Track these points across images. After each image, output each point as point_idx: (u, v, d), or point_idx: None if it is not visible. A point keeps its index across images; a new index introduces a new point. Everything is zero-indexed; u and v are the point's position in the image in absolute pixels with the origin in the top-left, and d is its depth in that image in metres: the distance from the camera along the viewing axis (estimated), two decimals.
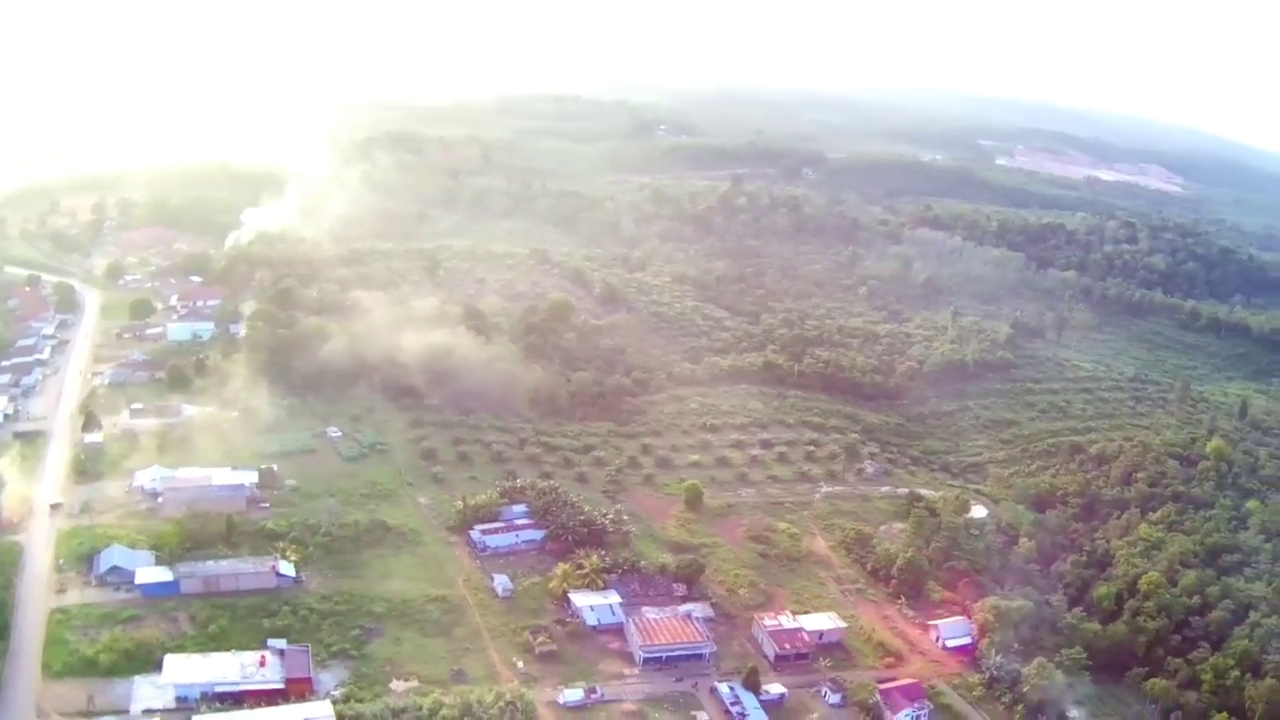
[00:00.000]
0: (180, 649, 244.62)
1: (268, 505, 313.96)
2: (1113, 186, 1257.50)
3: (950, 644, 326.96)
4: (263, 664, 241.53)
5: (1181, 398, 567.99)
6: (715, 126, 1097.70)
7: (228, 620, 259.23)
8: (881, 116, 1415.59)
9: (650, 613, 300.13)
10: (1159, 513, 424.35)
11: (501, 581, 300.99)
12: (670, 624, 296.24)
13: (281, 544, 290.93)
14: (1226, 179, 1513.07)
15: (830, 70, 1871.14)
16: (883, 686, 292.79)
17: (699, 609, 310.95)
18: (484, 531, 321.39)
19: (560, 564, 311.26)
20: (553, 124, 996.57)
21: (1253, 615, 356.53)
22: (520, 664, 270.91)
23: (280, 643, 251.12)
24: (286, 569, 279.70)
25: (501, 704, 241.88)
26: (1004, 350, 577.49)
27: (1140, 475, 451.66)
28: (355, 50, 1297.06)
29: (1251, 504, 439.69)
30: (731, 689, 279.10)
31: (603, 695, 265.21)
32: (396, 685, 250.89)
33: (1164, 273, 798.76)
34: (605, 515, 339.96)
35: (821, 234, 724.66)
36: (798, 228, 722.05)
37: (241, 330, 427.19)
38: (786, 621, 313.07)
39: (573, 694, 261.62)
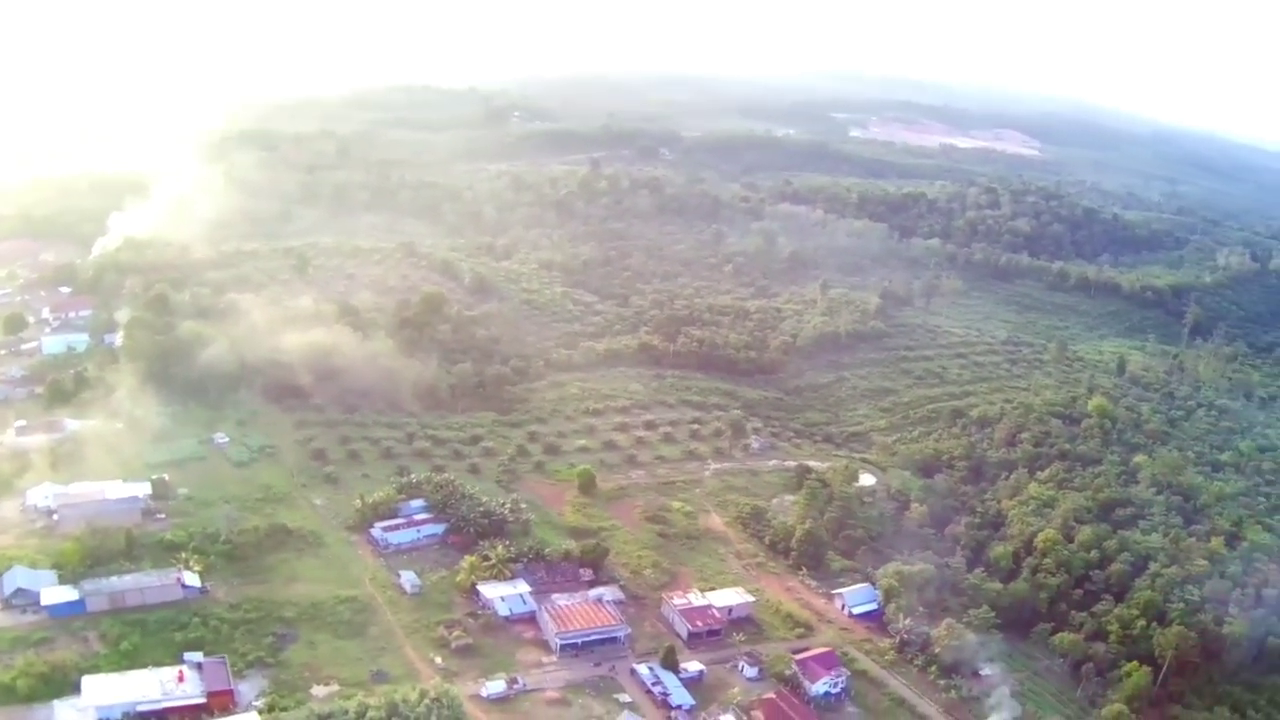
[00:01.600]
0: (95, 669, 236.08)
1: (164, 516, 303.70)
2: (969, 153, 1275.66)
3: (856, 611, 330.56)
4: (181, 679, 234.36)
5: (1058, 358, 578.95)
6: (567, 111, 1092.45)
7: (139, 636, 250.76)
8: (732, 93, 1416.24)
9: (561, 599, 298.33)
10: (1047, 471, 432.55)
11: (409, 578, 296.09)
12: (583, 609, 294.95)
13: (184, 555, 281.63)
14: (1083, 141, 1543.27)
15: (677, 50, 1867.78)
16: (798, 657, 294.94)
17: (609, 592, 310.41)
18: (385, 529, 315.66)
19: (466, 556, 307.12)
20: (405, 114, 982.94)
21: (1152, 566, 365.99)
22: (438, 660, 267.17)
23: (196, 656, 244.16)
24: (192, 580, 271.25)
25: (427, 701, 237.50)
26: (875, 320, 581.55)
27: (1024, 436, 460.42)
28: (201, 48, 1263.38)
29: (1140, 458, 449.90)
30: (651, 669, 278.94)
31: (525, 685, 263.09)
32: (317, 690, 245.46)
33: (1029, 236, 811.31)
34: (503, 505, 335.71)
35: (683, 213, 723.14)
36: (659, 208, 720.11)
37: (118, 340, 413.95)
38: (695, 599, 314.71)
39: (495, 686, 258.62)
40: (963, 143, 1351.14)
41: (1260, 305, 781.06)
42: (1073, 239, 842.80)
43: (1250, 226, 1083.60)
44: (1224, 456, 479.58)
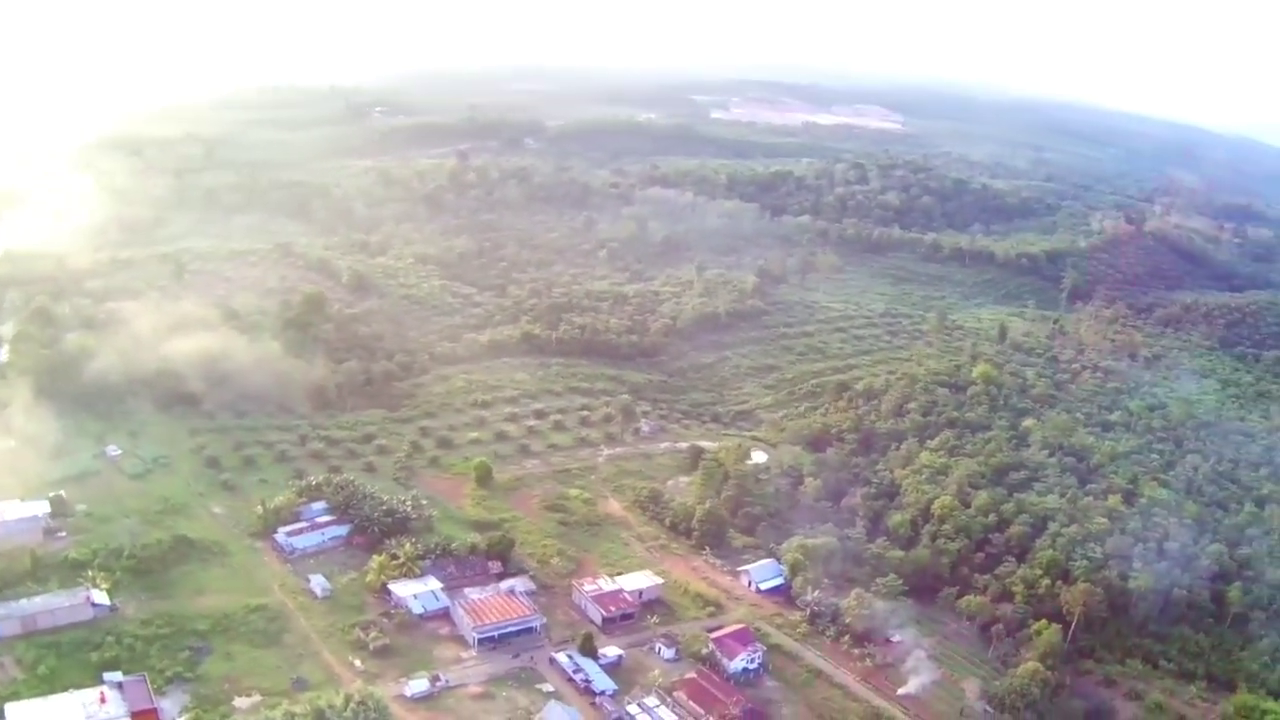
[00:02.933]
0: (15, 695, 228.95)
1: (65, 534, 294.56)
2: (832, 130, 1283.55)
3: (764, 587, 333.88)
4: (104, 700, 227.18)
5: (938, 328, 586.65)
6: (429, 104, 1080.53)
7: (55, 659, 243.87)
8: (593, 81, 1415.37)
9: (473, 593, 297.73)
10: (938, 440, 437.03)
11: (318, 582, 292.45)
12: (496, 602, 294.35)
13: (90, 572, 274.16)
14: (945, 113, 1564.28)
15: (533, 40, 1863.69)
16: (714, 635, 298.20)
17: (520, 583, 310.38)
18: (289, 534, 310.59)
19: (374, 556, 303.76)
20: (267, 114, 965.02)
21: (1052, 526, 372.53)
22: (357, 662, 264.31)
23: (116, 675, 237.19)
24: (101, 598, 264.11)
25: (353, 706, 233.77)
26: (753, 299, 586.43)
27: (912, 406, 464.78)
28: (57, 57, 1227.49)
29: (1029, 422, 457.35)
30: (570, 657, 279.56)
31: (447, 682, 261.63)
32: (240, 702, 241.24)
33: (899, 209, 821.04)
34: (404, 503, 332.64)
35: (553, 201, 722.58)
36: (530, 198, 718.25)
37: (3, 355, 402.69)
38: (606, 584, 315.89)
39: (418, 685, 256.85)
40: (825, 120, 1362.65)
41: (1138, 267, 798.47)
42: (943, 210, 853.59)
43: (1122, 190, 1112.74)
44: (1113, 416, 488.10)
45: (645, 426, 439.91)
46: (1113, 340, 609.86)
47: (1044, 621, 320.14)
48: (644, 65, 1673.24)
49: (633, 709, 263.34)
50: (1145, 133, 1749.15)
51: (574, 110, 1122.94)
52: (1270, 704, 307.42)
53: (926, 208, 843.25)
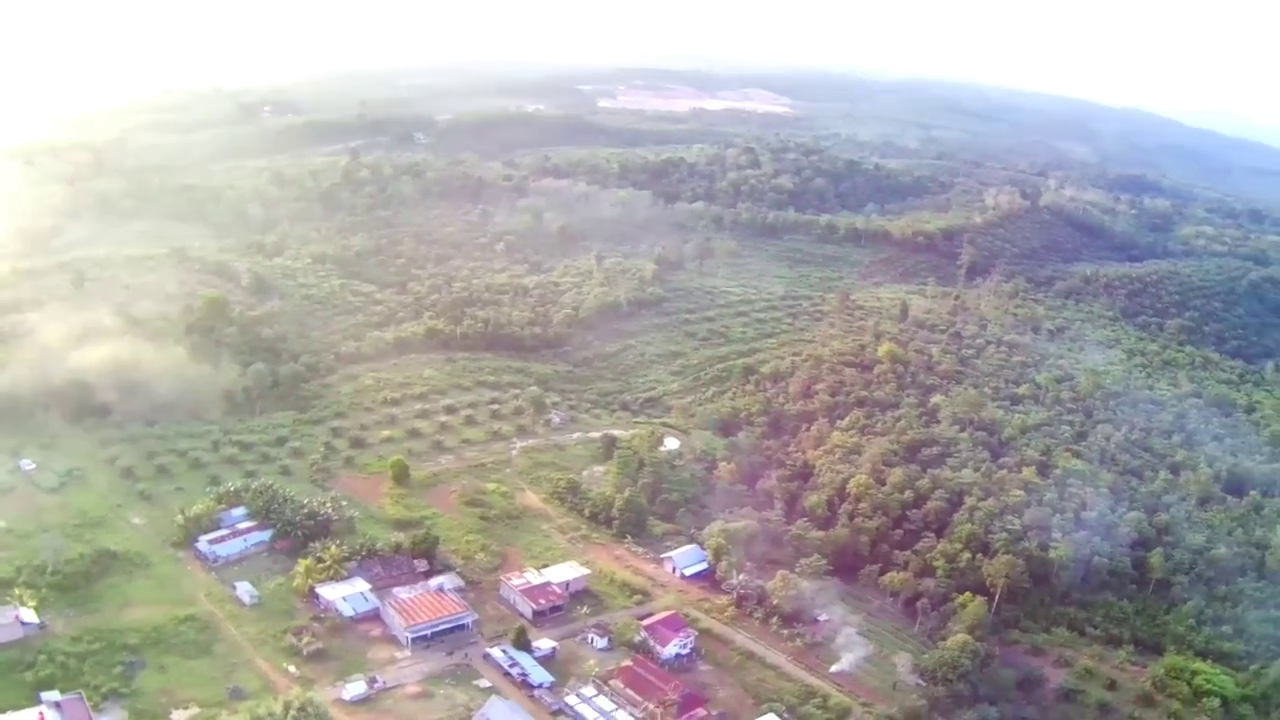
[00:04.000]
0: None
1: None
2: (720, 115, 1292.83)
3: (688, 572, 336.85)
4: None
5: (839, 308, 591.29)
6: (317, 102, 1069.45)
7: None
8: (477, 73, 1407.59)
9: (403, 593, 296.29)
10: (848, 419, 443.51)
11: (245, 589, 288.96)
12: (426, 600, 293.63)
13: (15, 590, 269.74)
14: (833, 95, 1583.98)
15: (415, 34, 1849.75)
16: (645, 623, 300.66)
17: (448, 580, 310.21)
18: (211, 541, 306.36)
19: (300, 560, 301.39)
20: (155, 118, 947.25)
21: (968, 500, 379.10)
22: (292, 668, 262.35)
23: (53, 695, 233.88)
24: (29, 616, 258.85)
25: (292, 713, 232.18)
26: (653, 286, 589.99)
27: (819, 387, 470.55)
28: None
29: (938, 398, 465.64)
30: (505, 652, 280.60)
31: (384, 683, 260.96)
32: (177, 715, 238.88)
33: (793, 192, 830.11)
34: (324, 505, 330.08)
35: (448, 196, 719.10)
36: (424, 193, 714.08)
37: None
38: (534, 578, 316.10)
39: (355, 688, 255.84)
40: (712, 105, 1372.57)
41: (1034, 241, 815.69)
42: (837, 192, 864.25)
43: (1014, 165, 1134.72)
44: (1022, 390, 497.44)
45: (556, 417, 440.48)
46: (1015, 314, 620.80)
47: (968, 594, 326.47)
48: (528, 56, 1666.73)
49: (572, 700, 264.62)
50: (1034, 108, 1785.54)
51: (462, 104, 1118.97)
52: (1200, 664, 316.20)
53: (820, 190, 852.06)
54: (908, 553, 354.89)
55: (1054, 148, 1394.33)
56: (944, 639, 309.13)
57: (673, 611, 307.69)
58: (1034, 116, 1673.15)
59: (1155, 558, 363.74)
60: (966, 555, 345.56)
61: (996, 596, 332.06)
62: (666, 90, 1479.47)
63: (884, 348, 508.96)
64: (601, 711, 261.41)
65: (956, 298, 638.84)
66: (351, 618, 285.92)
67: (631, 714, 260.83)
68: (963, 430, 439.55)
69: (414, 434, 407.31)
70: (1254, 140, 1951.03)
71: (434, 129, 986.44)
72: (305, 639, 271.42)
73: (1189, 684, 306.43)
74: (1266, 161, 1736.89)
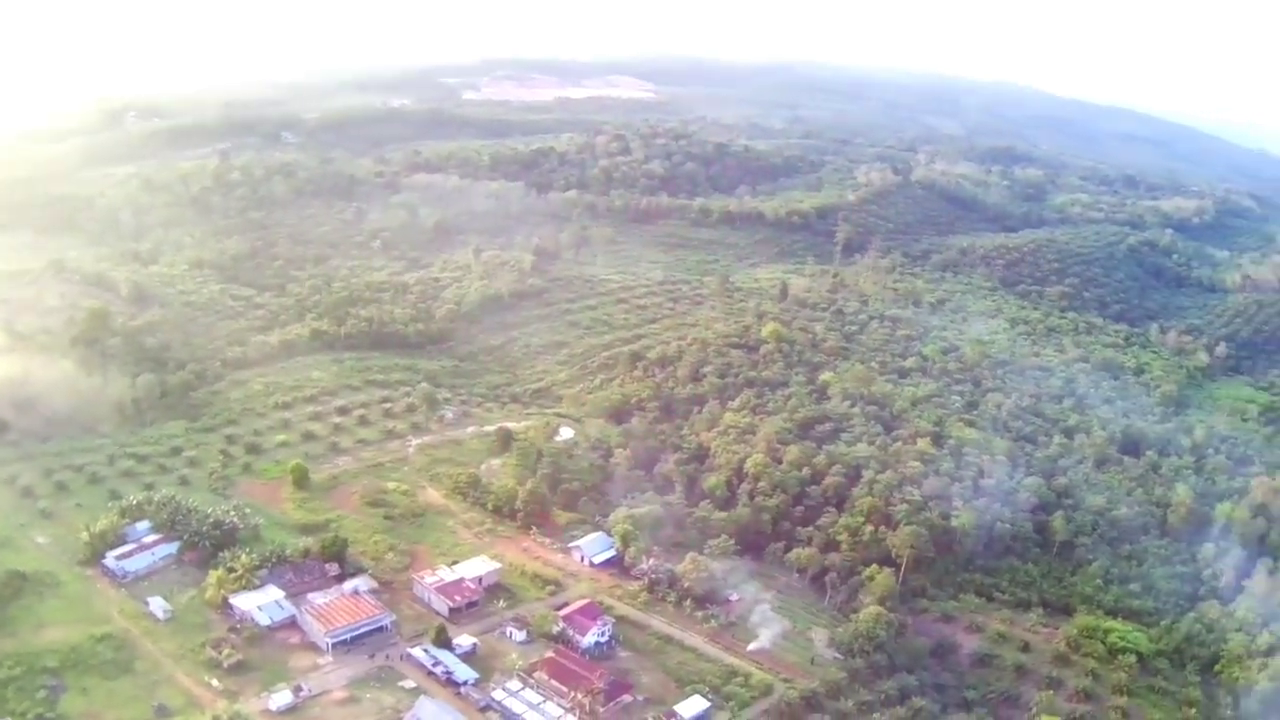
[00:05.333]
0: None
1: None
2: (585, 103, 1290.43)
3: (597, 560, 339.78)
4: None
5: (719, 291, 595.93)
6: (181, 105, 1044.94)
7: None
8: (338, 69, 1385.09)
9: (318, 598, 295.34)
10: (739, 400, 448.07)
11: (158, 604, 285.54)
12: (342, 604, 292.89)
13: None
14: (697, 79, 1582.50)
15: (269, 30, 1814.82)
16: (562, 613, 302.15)
17: (361, 583, 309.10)
18: (119, 557, 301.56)
19: (211, 571, 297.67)
20: (19, 128, 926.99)
21: (866, 474, 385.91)
22: (214, 682, 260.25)
23: None
24: None
25: None
26: (533, 277, 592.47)
27: (707, 370, 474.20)
28: None
29: (826, 375, 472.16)
30: (426, 651, 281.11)
31: (310, 690, 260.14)
32: None
33: (664, 177, 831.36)
34: (228, 513, 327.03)
35: (320, 195, 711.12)
36: (296, 193, 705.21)
37: None
38: (446, 574, 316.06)
39: (281, 697, 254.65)
40: (576, 93, 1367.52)
41: (908, 216, 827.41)
42: (708, 175, 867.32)
43: (882, 142, 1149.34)
44: (908, 363, 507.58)
45: (449, 413, 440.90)
46: (894, 289, 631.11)
47: (874, 566, 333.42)
48: (388, 51, 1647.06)
49: (499, 695, 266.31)
50: (899, 84, 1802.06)
51: (327, 101, 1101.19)
52: (1111, 623, 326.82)
53: (691, 174, 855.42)
54: (810, 528, 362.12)
55: (922, 123, 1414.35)
56: (855, 611, 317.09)
57: (588, 600, 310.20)
58: (899, 93, 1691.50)
59: (1057, 521, 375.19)
60: (869, 528, 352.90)
61: (902, 567, 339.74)
62: (530, 80, 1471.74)
63: (768, 328, 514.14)
64: (529, 704, 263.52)
65: (835, 275, 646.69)
66: (269, 626, 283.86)
67: (559, 705, 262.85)
68: (854, 405, 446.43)
69: (309, 437, 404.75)
70: (1124, 107, 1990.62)
71: (301, 128, 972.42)
72: (225, 651, 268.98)
73: (1103, 642, 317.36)
74: (1137, 128, 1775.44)
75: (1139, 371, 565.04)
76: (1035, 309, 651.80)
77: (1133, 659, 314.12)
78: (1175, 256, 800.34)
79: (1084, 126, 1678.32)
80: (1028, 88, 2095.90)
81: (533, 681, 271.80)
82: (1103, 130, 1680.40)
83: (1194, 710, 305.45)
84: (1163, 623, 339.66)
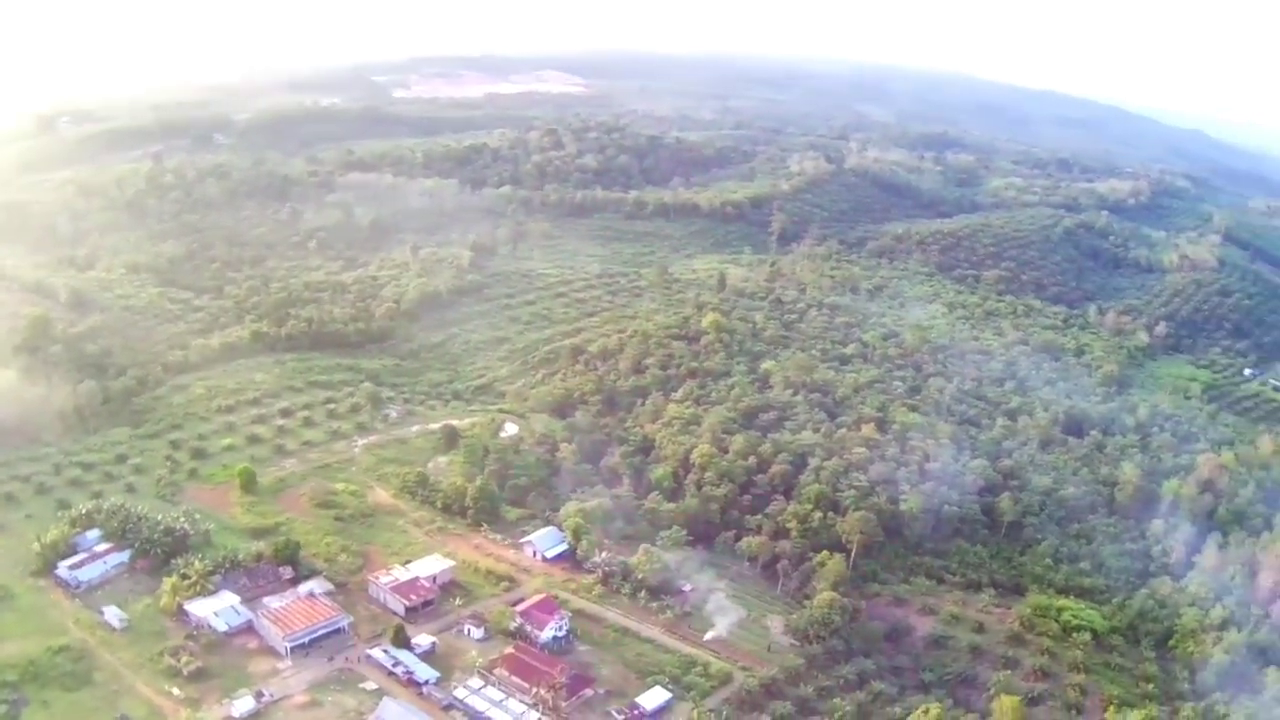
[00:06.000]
0: None
1: None
2: (516, 98, 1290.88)
3: (549, 555, 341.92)
4: None
5: (657, 282, 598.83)
6: (114, 110, 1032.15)
7: None
8: (266, 70, 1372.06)
9: (274, 602, 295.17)
10: (681, 391, 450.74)
11: (113, 613, 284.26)
12: (299, 608, 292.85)
13: None
14: (626, 72, 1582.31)
15: (197, 33, 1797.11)
16: (519, 609, 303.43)
17: (316, 585, 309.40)
18: (71, 567, 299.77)
19: (165, 578, 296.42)
20: None
21: (812, 461, 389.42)
22: (175, 690, 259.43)
23: None
24: None
25: None
26: (472, 273, 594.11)
27: (649, 361, 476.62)
28: None
29: (768, 364, 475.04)
30: (386, 652, 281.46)
31: (272, 695, 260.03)
32: None
33: (598, 170, 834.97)
34: (178, 520, 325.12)
35: (255, 196, 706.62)
36: (231, 194, 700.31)
37: None
38: (400, 574, 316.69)
39: (244, 704, 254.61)
40: (506, 89, 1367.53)
41: (843, 203, 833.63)
42: (641, 167, 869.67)
43: (813, 131, 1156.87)
44: (849, 350, 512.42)
45: (393, 412, 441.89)
46: (832, 276, 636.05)
47: (825, 552, 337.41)
48: (316, 49, 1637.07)
49: (461, 693, 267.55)
50: (829, 73, 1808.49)
51: (257, 101, 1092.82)
52: (1063, 601, 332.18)
53: (624, 166, 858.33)
54: (760, 517, 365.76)
55: (853, 110, 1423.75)
56: (808, 598, 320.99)
57: (544, 595, 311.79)
58: (829, 81, 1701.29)
59: (1004, 502, 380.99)
60: (818, 514, 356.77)
61: (853, 552, 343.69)
62: (459, 77, 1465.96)
63: (708, 318, 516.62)
64: (492, 701, 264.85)
65: (772, 264, 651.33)
66: (226, 632, 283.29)
67: (521, 701, 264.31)
68: (797, 394, 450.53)
69: (254, 440, 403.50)
70: (1055, 91, 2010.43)
71: (233, 129, 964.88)
72: (183, 658, 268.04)
73: (1057, 621, 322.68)
74: (1069, 111, 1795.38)
75: (1079, 353, 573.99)
76: (973, 293, 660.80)
77: (1087, 636, 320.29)
78: (1112, 238, 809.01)
79: (1016, 111, 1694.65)
80: (957, 74, 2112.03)
81: (494, 678, 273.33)
82: (1035, 114, 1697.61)
83: (1151, 685, 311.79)
84: (1115, 600, 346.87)
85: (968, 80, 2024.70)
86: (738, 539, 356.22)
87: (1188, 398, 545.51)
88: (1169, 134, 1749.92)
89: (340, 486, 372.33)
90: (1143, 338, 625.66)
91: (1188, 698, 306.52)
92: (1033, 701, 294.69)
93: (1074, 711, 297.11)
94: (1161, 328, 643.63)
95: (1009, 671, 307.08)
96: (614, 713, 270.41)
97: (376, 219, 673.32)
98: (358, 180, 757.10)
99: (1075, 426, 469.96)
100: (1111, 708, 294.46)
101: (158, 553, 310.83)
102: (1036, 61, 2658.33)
